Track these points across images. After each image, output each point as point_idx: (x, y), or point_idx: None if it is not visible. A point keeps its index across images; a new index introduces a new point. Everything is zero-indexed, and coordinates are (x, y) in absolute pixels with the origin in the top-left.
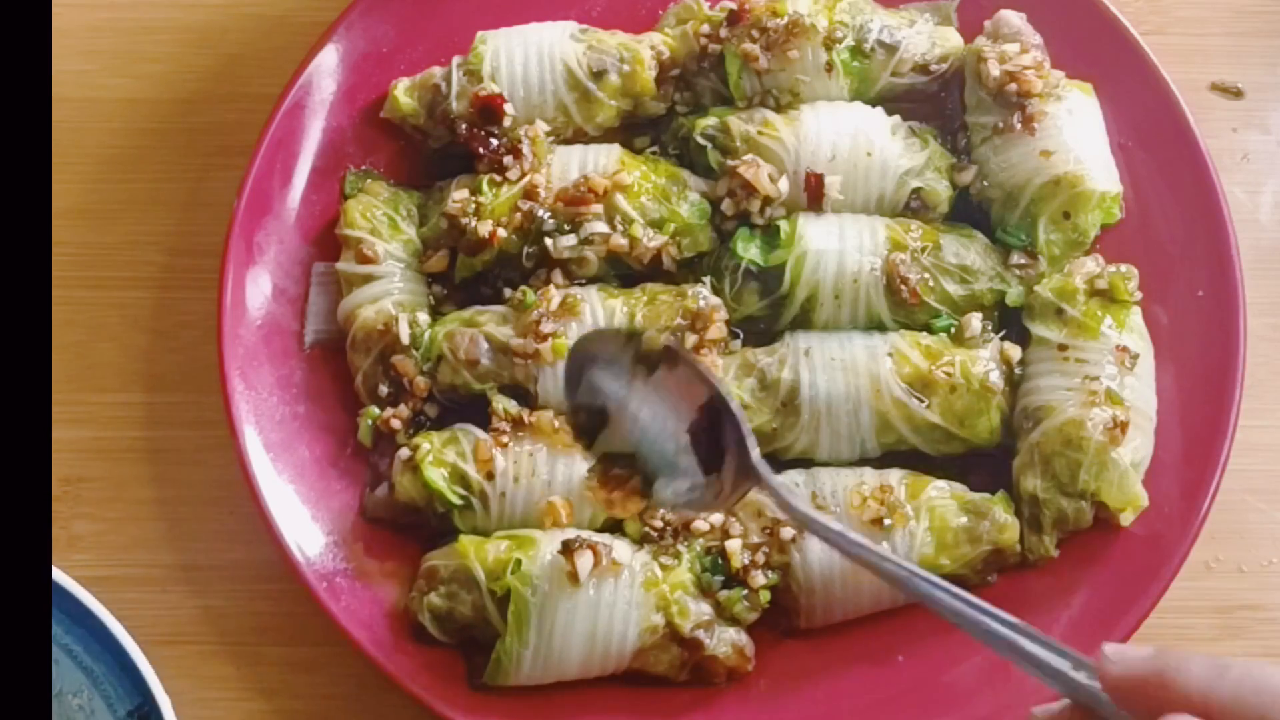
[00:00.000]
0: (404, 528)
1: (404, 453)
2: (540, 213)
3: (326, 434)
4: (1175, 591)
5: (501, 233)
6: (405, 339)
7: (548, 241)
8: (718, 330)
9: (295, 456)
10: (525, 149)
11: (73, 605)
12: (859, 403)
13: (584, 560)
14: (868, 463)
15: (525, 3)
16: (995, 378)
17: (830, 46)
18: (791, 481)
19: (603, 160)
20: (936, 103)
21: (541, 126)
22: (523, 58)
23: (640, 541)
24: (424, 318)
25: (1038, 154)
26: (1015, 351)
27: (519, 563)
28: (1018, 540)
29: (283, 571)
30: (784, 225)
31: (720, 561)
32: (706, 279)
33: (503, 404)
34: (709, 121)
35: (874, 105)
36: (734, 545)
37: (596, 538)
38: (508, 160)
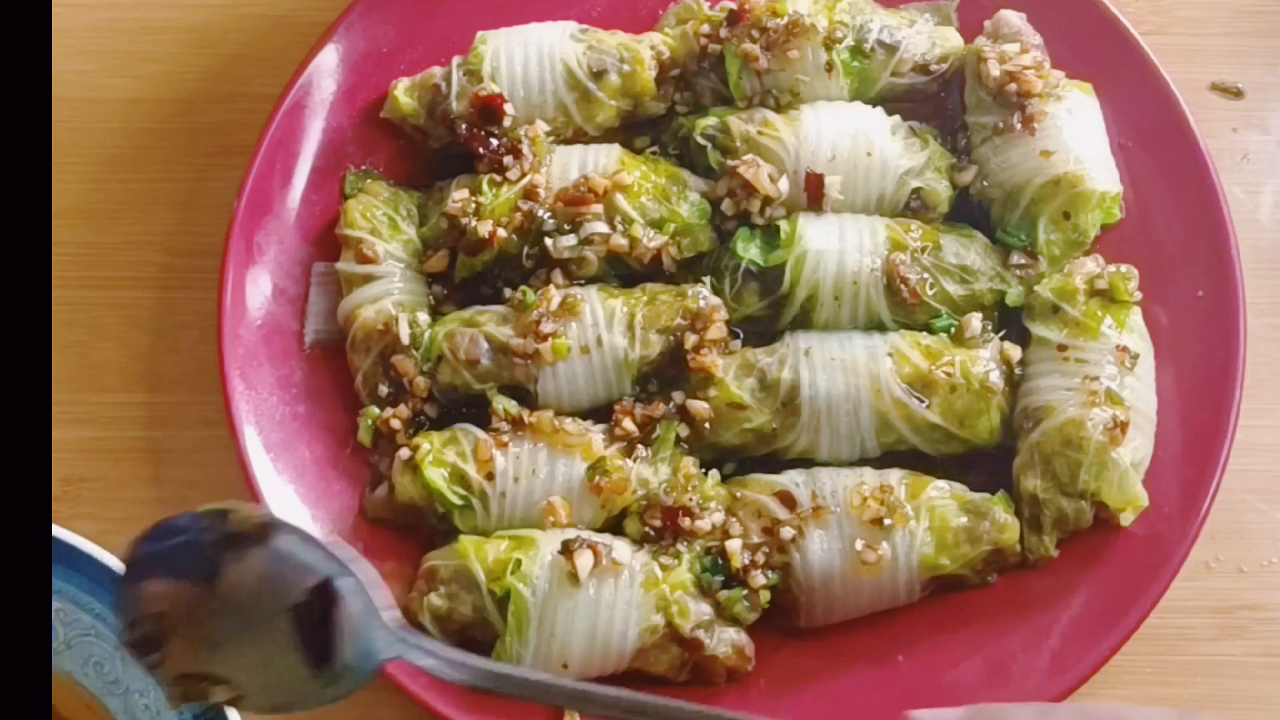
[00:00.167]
0: (404, 528)
1: (404, 453)
2: (540, 213)
3: (326, 434)
4: (1175, 591)
5: (501, 233)
6: (405, 339)
7: (548, 241)
8: (718, 330)
9: (295, 456)
10: (525, 149)
11: None
12: (859, 403)
13: (584, 560)
14: (868, 463)
15: (525, 3)
16: (995, 378)
17: (830, 46)
18: (791, 481)
19: (603, 160)
20: (936, 103)
21: (541, 126)
22: (523, 58)
23: (640, 541)
24: (424, 318)
25: (1038, 154)
26: (1015, 351)
27: (519, 563)
28: (1018, 540)
29: None
30: (784, 225)
31: (720, 561)
32: (706, 279)
33: (503, 404)
34: (709, 121)
35: (874, 105)
36: (734, 545)
37: (596, 538)
38: (508, 160)
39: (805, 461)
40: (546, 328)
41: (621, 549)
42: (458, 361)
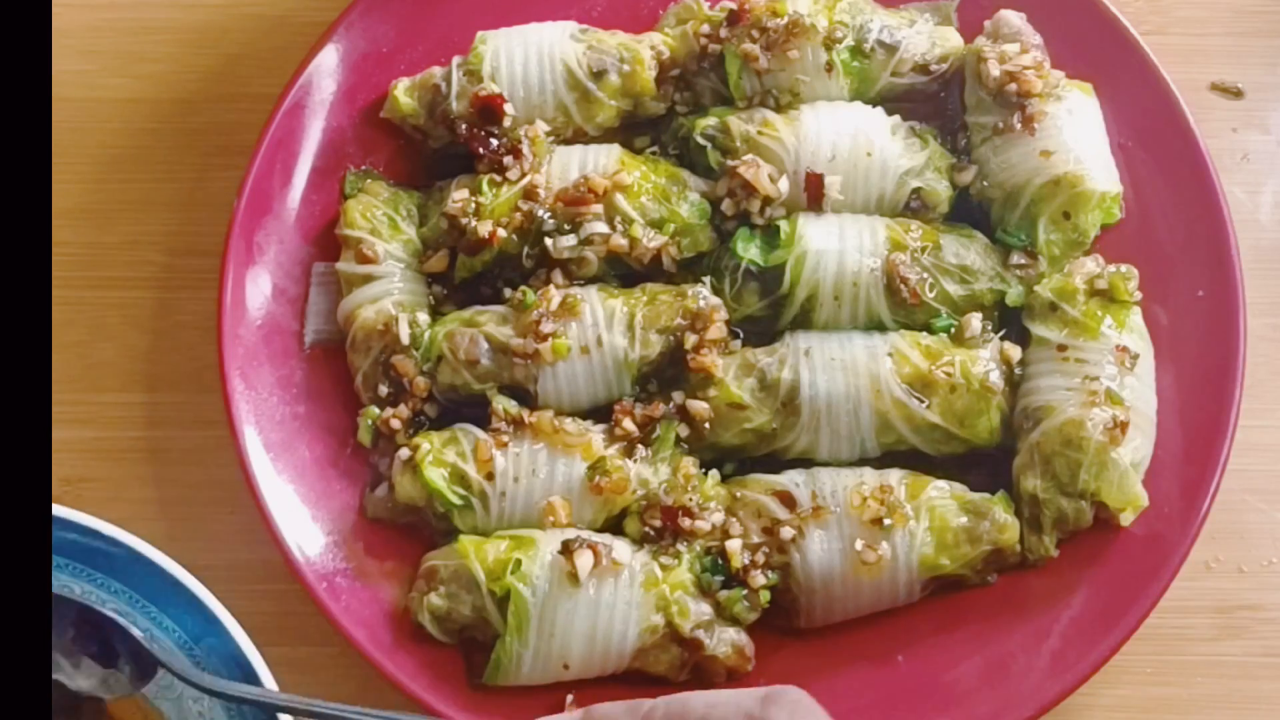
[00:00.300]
0: (404, 528)
1: (404, 453)
2: (540, 213)
3: (326, 434)
4: (1175, 591)
5: (501, 233)
6: (405, 339)
7: (548, 242)
8: (718, 330)
9: (295, 456)
10: (525, 149)
11: (200, 612)
12: (859, 403)
13: (584, 560)
14: (868, 463)
15: (525, 3)
16: (995, 378)
17: (830, 46)
18: (791, 481)
19: (603, 160)
20: (936, 103)
21: (541, 126)
22: (523, 58)
23: (640, 541)
24: (424, 318)
25: (1038, 154)
26: (1015, 351)
27: (519, 563)
28: (1018, 540)
29: (283, 571)
30: (784, 225)
31: (720, 561)
32: (706, 279)
33: (503, 404)
34: (709, 121)
35: (874, 105)
36: (734, 545)
37: (596, 538)
38: (508, 160)
39: (805, 461)
40: (546, 328)
41: (621, 549)
42: (458, 361)
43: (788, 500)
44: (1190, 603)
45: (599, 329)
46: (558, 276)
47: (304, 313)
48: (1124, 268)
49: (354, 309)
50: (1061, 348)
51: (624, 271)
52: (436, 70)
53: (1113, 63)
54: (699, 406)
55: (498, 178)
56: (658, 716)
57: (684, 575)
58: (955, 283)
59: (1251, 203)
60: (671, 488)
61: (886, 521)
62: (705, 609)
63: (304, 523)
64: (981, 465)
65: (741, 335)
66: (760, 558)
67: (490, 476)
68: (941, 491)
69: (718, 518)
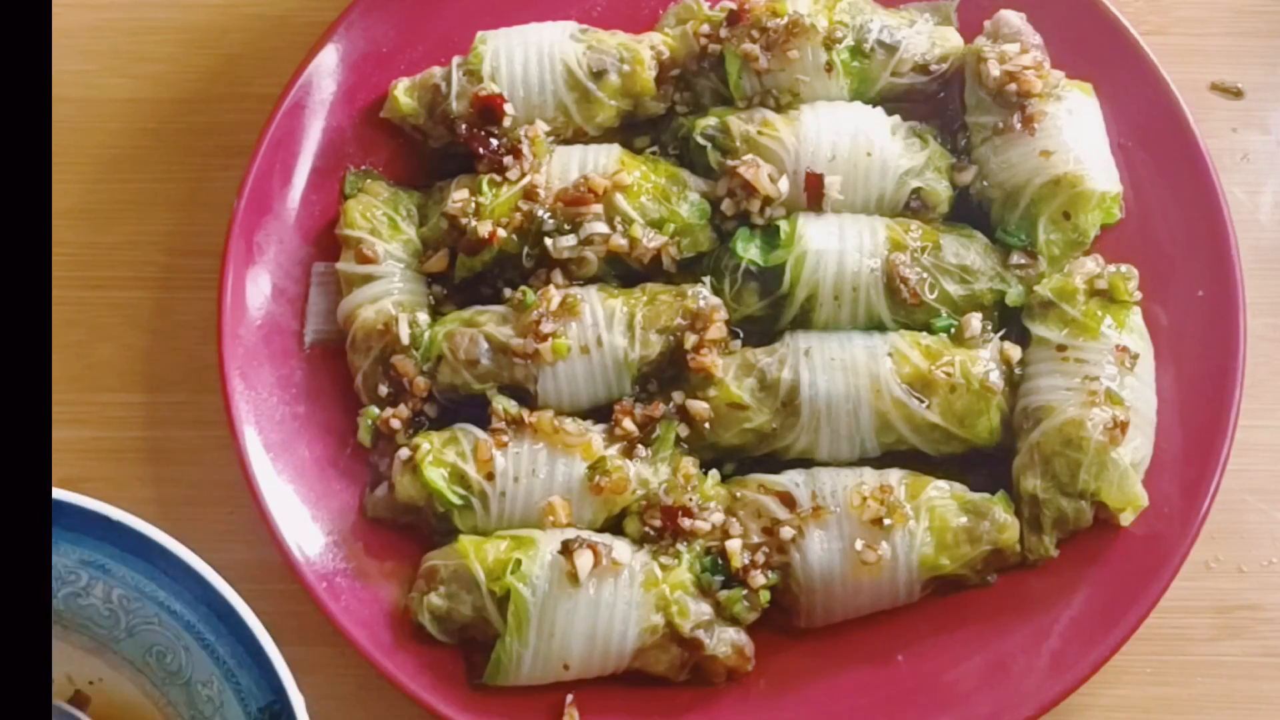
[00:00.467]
0: (404, 528)
1: (404, 453)
2: (540, 213)
3: (326, 434)
4: (1175, 591)
5: (501, 233)
6: (405, 339)
7: (548, 242)
8: (718, 330)
9: (295, 456)
10: (525, 149)
11: (213, 598)
12: (859, 403)
13: (584, 560)
14: (868, 463)
15: (525, 3)
16: (995, 378)
17: (830, 46)
18: (791, 481)
19: (603, 160)
20: (936, 103)
21: (541, 126)
22: (523, 58)
23: (640, 541)
24: (424, 318)
25: (1038, 154)
26: (1015, 351)
27: (519, 563)
28: (1018, 540)
29: (283, 571)
30: (784, 225)
31: (720, 561)
32: (706, 279)
33: (503, 404)
34: (709, 121)
35: (874, 105)
36: (734, 545)
37: (596, 538)
38: (508, 160)
39: (805, 461)
40: (546, 328)
41: (621, 549)
42: (458, 361)
43: (788, 500)
44: (1190, 603)
45: (599, 329)
46: (558, 276)
47: (304, 313)
48: (1124, 268)
49: (354, 309)
50: (1061, 348)
51: (624, 271)
52: (436, 70)
53: (1113, 63)
54: (699, 406)
55: (498, 178)
56: None
57: (684, 575)
58: (955, 283)
59: (1251, 203)
60: (671, 488)
61: (886, 521)
62: (705, 609)
63: (304, 523)
64: (981, 465)
65: (741, 335)
66: (760, 558)
67: (490, 476)
68: (941, 491)
69: (718, 518)
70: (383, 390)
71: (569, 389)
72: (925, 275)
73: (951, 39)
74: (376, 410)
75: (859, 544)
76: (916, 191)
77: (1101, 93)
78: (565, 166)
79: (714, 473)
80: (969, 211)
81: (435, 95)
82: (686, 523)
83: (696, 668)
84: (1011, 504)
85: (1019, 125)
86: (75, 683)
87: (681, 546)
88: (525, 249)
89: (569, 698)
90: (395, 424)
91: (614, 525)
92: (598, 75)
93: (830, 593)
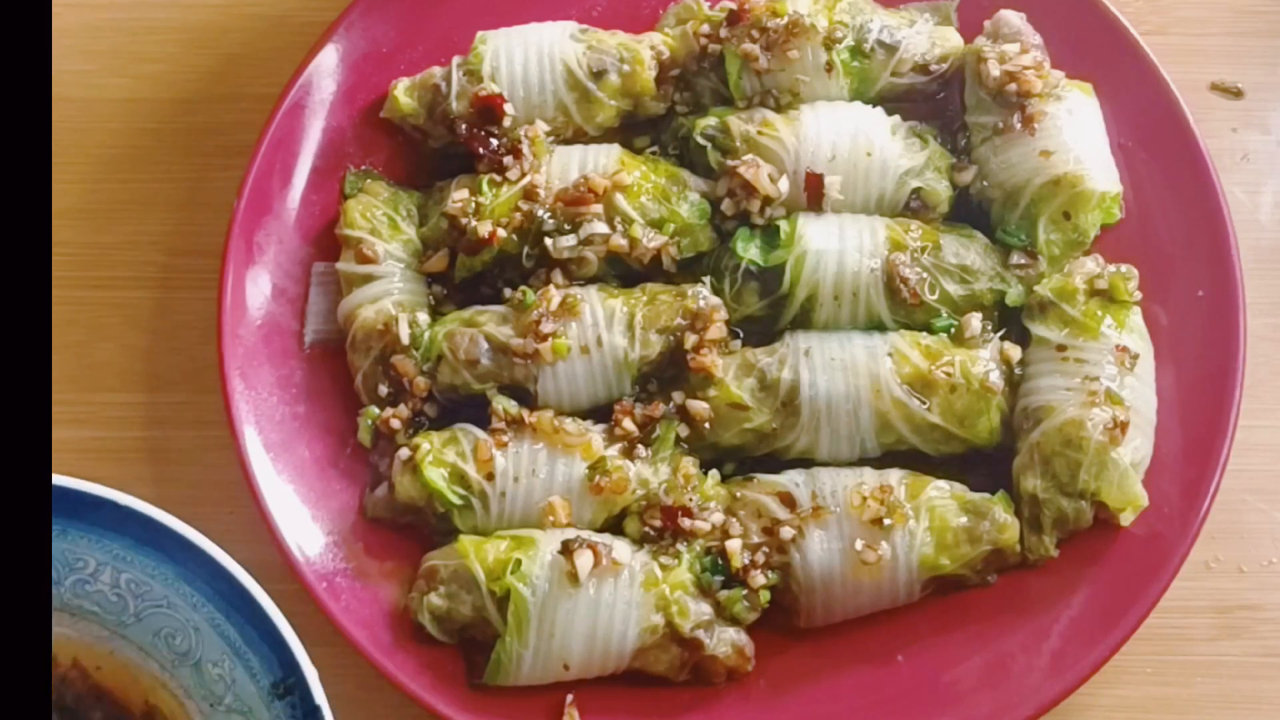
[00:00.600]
0: (404, 528)
1: (404, 453)
2: (540, 213)
3: (326, 434)
4: (1175, 591)
5: (501, 233)
6: (405, 339)
7: (548, 242)
8: (718, 330)
9: (295, 456)
10: (525, 149)
11: (220, 577)
12: (859, 403)
13: (584, 560)
14: (868, 463)
15: (525, 3)
16: (995, 378)
17: (830, 46)
18: (791, 481)
19: (603, 160)
20: (936, 103)
21: (541, 126)
22: (523, 58)
23: (640, 541)
24: (424, 318)
25: (1038, 154)
26: (1015, 351)
27: (519, 563)
28: (1018, 540)
29: (283, 571)
30: (784, 225)
31: (720, 561)
32: (706, 279)
33: (502, 404)
34: (709, 121)
35: (874, 105)
36: (734, 545)
37: (596, 538)
38: (508, 160)
39: (805, 461)
40: (546, 328)
41: (621, 549)
42: (458, 361)
43: (788, 500)
44: (1190, 603)
45: (599, 329)
46: (558, 276)
47: (304, 313)
48: (1124, 268)
49: (354, 309)
50: (1061, 348)
51: (624, 271)
52: (436, 70)
53: (1113, 63)
54: (699, 406)
55: (498, 178)
56: None
57: (684, 575)
58: (955, 283)
59: (1251, 203)
60: (671, 488)
61: (886, 521)
62: (705, 609)
63: (304, 523)
64: (981, 465)
65: (741, 335)
66: (760, 558)
67: (490, 476)
68: (941, 491)
69: (718, 518)
70: (383, 390)
71: (569, 389)
72: (925, 275)
73: (951, 39)
74: (376, 410)
75: (859, 544)
76: (916, 191)
77: (1101, 93)
78: (565, 166)
79: (714, 473)
80: (969, 211)
81: (435, 95)
82: (686, 523)
83: (696, 668)
84: (1011, 504)
85: (1019, 125)
86: (84, 668)
87: (681, 546)
88: (525, 249)
89: (569, 698)
90: (395, 424)
91: (614, 525)
92: (598, 75)
93: (830, 593)
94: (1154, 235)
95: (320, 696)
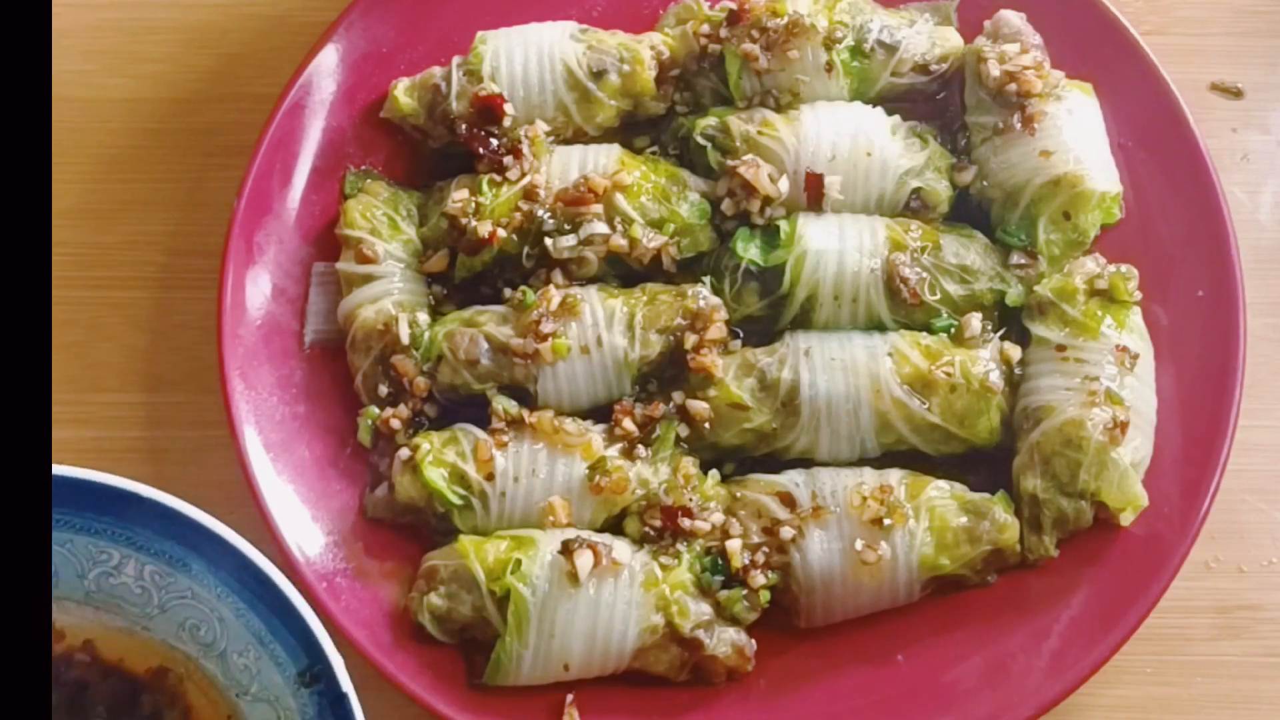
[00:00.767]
0: (404, 528)
1: (404, 453)
2: (540, 213)
3: (326, 434)
4: (1175, 591)
5: (501, 233)
6: (405, 339)
7: (548, 242)
8: (718, 330)
9: (295, 456)
10: (525, 149)
11: (244, 567)
12: (859, 403)
13: (584, 560)
14: (868, 463)
15: (525, 3)
16: (995, 378)
17: (830, 46)
18: (791, 481)
19: (603, 160)
20: (936, 103)
21: (541, 126)
22: (523, 58)
23: (640, 541)
24: (424, 318)
25: (1038, 154)
26: (1015, 351)
27: (519, 563)
28: (1018, 540)
29: (283, 571)
30: (784, 225)
31: (720, 561)
32: (706, 279)
33: (502, 404)
34: (709, 121)
35: (874, 105)
36: (734, 545)
37: (596, 538)
38: (508, 160)
39: (805, 461)
40: (546, 328)
41: (621, 549)
42: (458, 361)
43: (788, 500)
44: (1190, 603)
45: (599, 329)
46: (558, 276)
47: (304, 313)
48: (1124, 268)
49: (354, 309)
50: (1061, 348)
51: (624, 271)
52: (436, 70)
53: (1113, 63)
54: (699, 406)
55: (498, 178)
56: None
57: (684, 575)
58: (955, 283)
59: (1251, 203)
60: (671, 488)
61: (886, 521)
62: (705, 609)
63: (304, 523)
64: (981, 465)
65: (741, 335)
66: (760, 558)
67: (490, 476)
68: (941, 491)
69: (718, 518)
70: (383, 390)
71: (569, 389)
72: (925, 275)
73: (951, 39)
74: (376, 410)
75: (859, 544)
76: (916, 191)
77: (1101, 93)
78: (565, 166)
79: (714, 473)
80: (969, 211)
81: (435, 95)
82: (686, 523)
83: (696, 668)
84: (1011, 504)
85: (1019, 125)
86: (103, 656)
87: (681, 546)
88: (525, 249)
89: (569, 698)
90: (395, 424)
91: (614, 525)
92: (598, 75)
93: (830, 593)
94: (1154, 235)
95: (347, 684)
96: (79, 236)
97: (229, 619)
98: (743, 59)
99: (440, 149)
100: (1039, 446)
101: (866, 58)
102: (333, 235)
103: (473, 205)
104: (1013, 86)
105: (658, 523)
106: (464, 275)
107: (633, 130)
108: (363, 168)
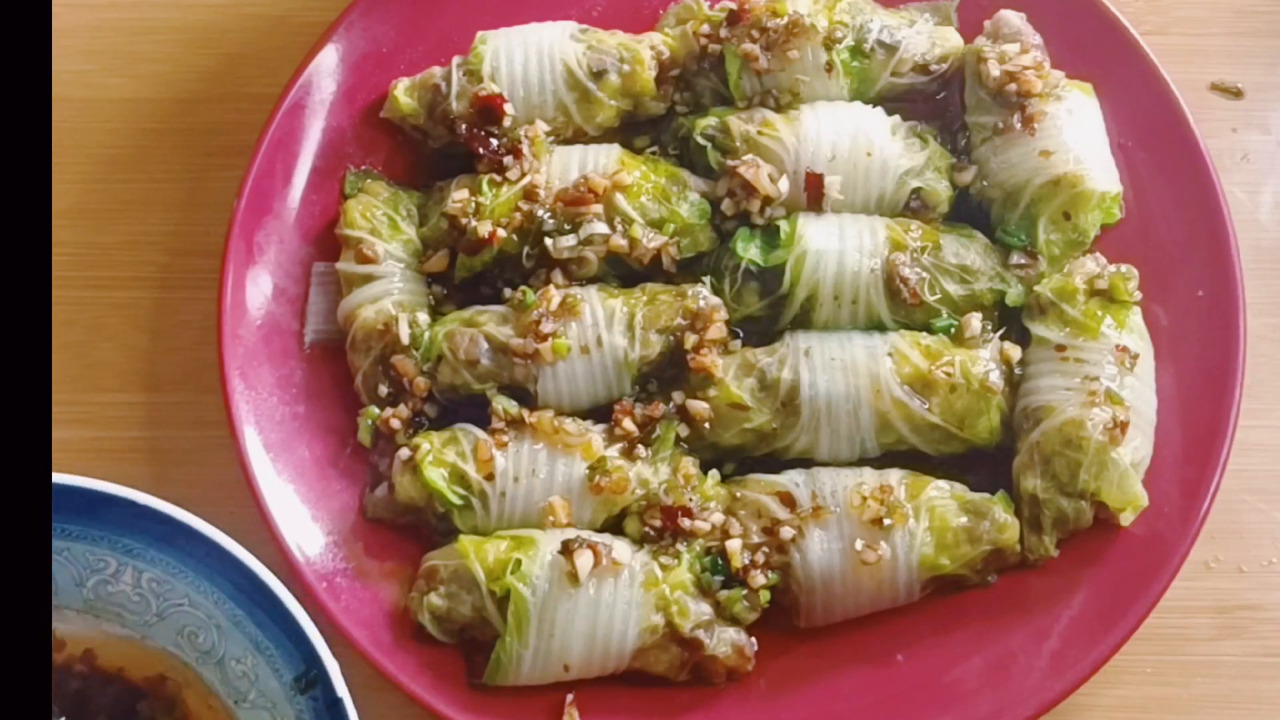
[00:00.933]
0: (404, 528)
1: (404, 453)
2: (540, 213)
3: (326, 434)
4: (1175, 591)
5: (501, 233)
6: (405, 339)
7: (548, 242)
8: (718, 330)
9: (295, 456)
10: (525, 149)
11: (240, 573)
12: (859, 403)
13: (584, 560)
14: (868, 463)
15: (525, 3)
16: (995, 378)
17: (830, 46)
18: (791, 481)
19: (603, 160)
20: (936, 103)
21: (541, 126)
22: (523, 58)
23: (640, 541)
24: (424, 318)
25: (1038, 154)
26: (1015, 351)
27: (519, 563)
28: (1018, 540)
29: (283, 572)
30: (784, 225)
31: (720, 561)
32: (706, 279)
33: (502, 404)
34: (709, 121)
35: (874, 105)
36: (734, 545)
37: (596, 538)
38: (508, 160)
39: (805, 461)
40: (546, 328)
41: (621, 549)
42: (458, 361)
43: (788, 500)
44: (1190, 603)
45: (599, 329)
46: (558, 276)
47: (304, 313)
48: (1124, 268)
49: (354, 309)
50: (1061, 348)
51: (624, 271)
52: (436, 70)
53: (1113, 63)
54: (699, 406)
55: (498, 178)
56: None
57: (684, 575)
58: (955, 283)
59: (1251, 203)
60: (671, 488)
61: (886, 521)
62: (705, 609)
63: (304, 523)
64: (981, 465)
65: (741, 335)
66: (760, 558)
67: (490, 476)
68: (941, 491)
69: (718, 518)
70: (383, 390)
71: (569, 389)
72: (925, 275)
73: (951, 39)
74: (376, 410)
75: (859, 544)
76: (916, 191)
77: (1101, 93)
78: (565, 166)
79: (714, 473)
80: (969, 211)
81: (435, 95)
82: (686, 523)
83: (696, 668)
84: (1011, 504)
85: (1019, 125)
86: (102, 665)
87: (681, 546)
88: (525, 249)
89: (569, 698)
90: (395, 424)
91: (614, 525)
92: (598, 75)
93: (830, 593)
94: (1154, 235)
95: (342, 689)
96: (79, 236)
97: (226, 625)
98: (743, 59)
99: (440, 149)
100: (1039, 446)
101: (866, 58)
102: (333, 235)
103: (473, 205)
104: (1013, 86)
105: (658, 523)
106: (464, 275)
107: (633, 130)
108: (363, 168)
